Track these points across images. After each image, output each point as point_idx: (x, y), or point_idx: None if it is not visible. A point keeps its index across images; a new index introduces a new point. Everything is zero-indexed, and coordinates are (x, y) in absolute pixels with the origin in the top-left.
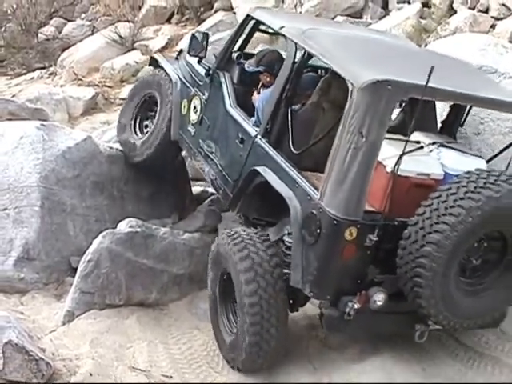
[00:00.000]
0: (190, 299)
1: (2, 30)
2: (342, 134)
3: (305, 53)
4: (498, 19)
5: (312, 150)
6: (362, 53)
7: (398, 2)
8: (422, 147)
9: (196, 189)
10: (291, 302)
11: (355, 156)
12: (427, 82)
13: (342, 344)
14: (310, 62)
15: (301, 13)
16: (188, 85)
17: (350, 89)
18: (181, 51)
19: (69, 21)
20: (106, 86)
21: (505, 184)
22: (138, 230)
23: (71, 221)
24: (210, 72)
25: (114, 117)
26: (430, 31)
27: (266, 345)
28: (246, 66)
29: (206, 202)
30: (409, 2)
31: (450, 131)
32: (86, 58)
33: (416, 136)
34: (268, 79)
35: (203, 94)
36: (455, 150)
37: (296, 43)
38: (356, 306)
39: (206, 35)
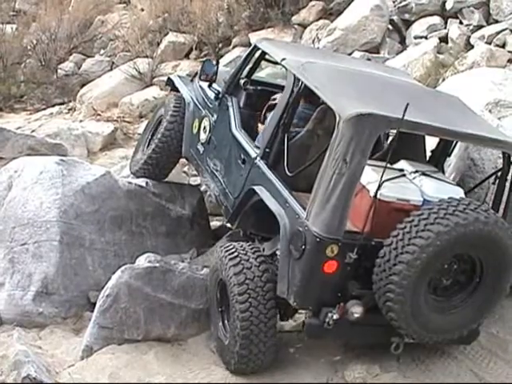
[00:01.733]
0: (209, 335)
1: (22, 65)
2: (328, 160)
3: (302, 84)
4: None
5: (306, 173)
6: (352, 87)
7: (415, 37)
8: (404, 175)
9: (214, 224)
10: (282, 312)
11: (339, 181)
12: (403, 116)
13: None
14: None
15: (318, 48)
16: (200, 106)
17: (337, 120)
18: (196, 74)
19: (88, 56)
20: (125, 121)
21: (473, 212)
22: (157, 265)
23: (90, 255)
24: (219, 96)
25: None
26: (447, 66)
27: (256, 349)
28: None
29: (225, 237)
30: (426, 37)
31: (438, 161)
32: (104, 94)
33: (402, 164)
34: None
35: (212, 116)
36: (436, 179)
37: (294, 75)
38: (335, 317)
39: (216, 62)
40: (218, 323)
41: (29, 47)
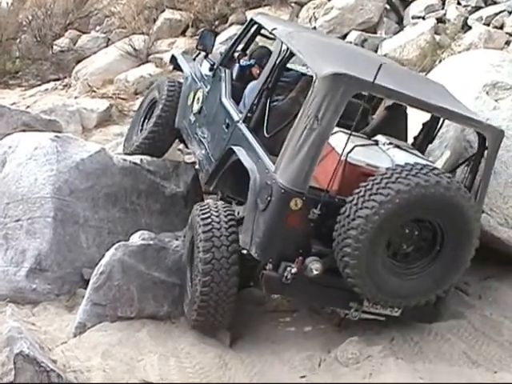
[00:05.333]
0: None
1: (17, 41)
2: (301, 116)
3: (287, 50)
4: None
5: (284, 138)
6: (332, 54)
7: (412, 18)
8: (377, 144)
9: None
10: (246, 275)
11: (308, 136)
12: (375, 78)
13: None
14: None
15: (315, 28)
16: (196, 80)
17: (313, 78)
18: (198, 54)
19: (84, 33)
20: (120, 98)
21: (435, 176)
22: (151, 242)
23: (84, 232)
24: (214, 67)
25: None
26: (444, 47)
27: (214, 308)
28: (241, 61)
29: None
30: (423, 18)
31: (421, 146)
32: (100, 70)
33: (379, 138)
34: (258, 71)
35: (206, 87)
36: (410, 153)
37: (282, 41)
38: (293, 271)
39: (214, 34)
40: (187, 287)
41: (24, 23)
